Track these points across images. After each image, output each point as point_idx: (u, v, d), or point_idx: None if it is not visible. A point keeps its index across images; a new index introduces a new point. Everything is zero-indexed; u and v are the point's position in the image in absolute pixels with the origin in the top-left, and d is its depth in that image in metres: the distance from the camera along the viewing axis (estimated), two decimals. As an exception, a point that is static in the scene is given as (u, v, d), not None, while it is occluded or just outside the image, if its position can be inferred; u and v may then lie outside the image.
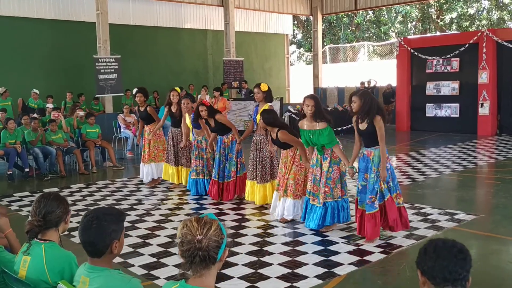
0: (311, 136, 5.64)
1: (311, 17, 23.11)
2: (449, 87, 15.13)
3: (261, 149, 6.80)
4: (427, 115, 15.65)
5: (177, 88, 8.42)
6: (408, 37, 21.91)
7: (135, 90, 8.68)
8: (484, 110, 14.25)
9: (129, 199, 7.73)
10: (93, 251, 2.24)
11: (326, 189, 5.60)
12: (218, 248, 1.90)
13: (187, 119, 7.87)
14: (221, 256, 1.93)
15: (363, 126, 5.31)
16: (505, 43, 13.71)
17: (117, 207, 7.13)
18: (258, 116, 6.82)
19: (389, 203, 5.31)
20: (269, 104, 6.83)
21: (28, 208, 7.22)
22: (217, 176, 7.30)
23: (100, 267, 2.23)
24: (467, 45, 14.35)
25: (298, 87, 24.86)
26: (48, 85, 15.65)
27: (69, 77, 16.45)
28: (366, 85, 18.94)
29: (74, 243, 5.42)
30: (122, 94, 15.78)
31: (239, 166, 7.28)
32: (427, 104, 15.61)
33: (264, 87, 6.87)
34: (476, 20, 31.69)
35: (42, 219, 2.50)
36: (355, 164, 5.66)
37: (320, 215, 5.61)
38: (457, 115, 15.00)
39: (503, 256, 4.93)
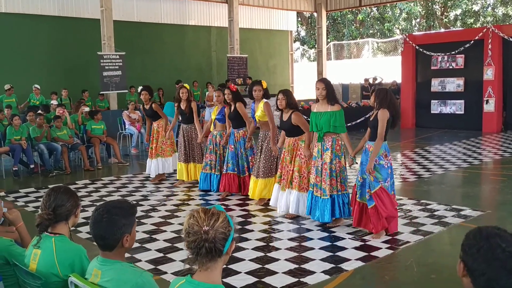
0: (320, 118, 5.60)
1: (315, 14, 23.06)
2: (454, 84, 15.08)
3: (267, 145, 6.76)
4: (432, 112, 15.61)
5: (186, 85, 8.42)
6: (413, 33, 21.86)
7: (140, 88, 8.68)
8: (489, 107, 14.19)
9: (134, 195, 7.74)
10: (104, 244, 2.24)
11: (332, 182, 5.60)
12: (225, 241, 1.87)
13: (215, 110, 7.76)
14: (228, 249, 1.90)
15: (372, 117, 5.35)
16: (511, 39, 13.64)
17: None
18: (256, 114, 6.81)
19: (378, 195, 5.20)
20: (265, 100, 6.80)
21: (34, 204, 7.26)
22: (235, 169, 7.27)
23: (112, 260, 2.23)
24: (472, 41, 14.30)
25: (302, 84, 24.82)
26: (52, 82, 15.65)
27: (73, 74, 16.46)
28: (371, 81, 18.91)
29: (81, 238, 5.44)
30: (126, 91, 15.78)
31: (251, 164, 7.26)
32: (432, 101, 15.57)
33: (264, 84, 6.89)
34: (480, 17, 31.56)
35: (52, 213, 2.50)
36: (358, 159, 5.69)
37: (330, 208, 5.60)
38: (462, 112, 14.95)
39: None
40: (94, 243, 4.95)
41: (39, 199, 7.50)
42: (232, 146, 7.29)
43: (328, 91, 5.60)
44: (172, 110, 10.41)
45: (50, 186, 8.05)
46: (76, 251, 2.49)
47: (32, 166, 9.64)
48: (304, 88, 24.27)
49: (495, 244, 1.65)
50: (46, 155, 9.56)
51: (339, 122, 5.57)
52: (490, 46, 13.99)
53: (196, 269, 1.93)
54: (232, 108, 7.22)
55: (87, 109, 11.10)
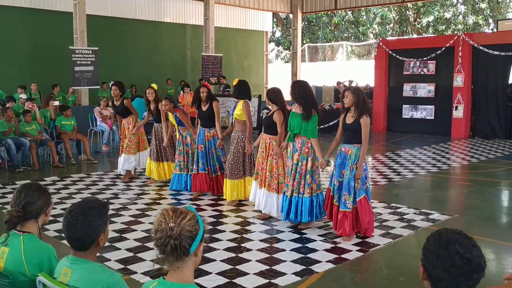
0: (294, 119, 5.61)
1: (290, 15, 23.16)
2: (425, 89, 15.35)
3: (235, 145, 6.75)
4: (403, 116, 15.85)
5: (154, 85, 8.33)
6: (387, 38, 22.17)
7: (111, 83, 8.56)
8: (458, 113, 14.50)
9: (105, 193, 7.63)
10: (80, 246, 2.19)
11: (294, 183, 5.62)
12: (192, 239, 1.85)
13: (171, 117, 7.75)
14: (196, 249, 1.88)
15: (349, 120, 5.35)
16: (481, 47, 13.98)
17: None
18: (234, 113, 6.81)
19: (362, 204, 5.28)
20: (244, 100, 6.78)
21: (1, 200, 7.07)
22: (207, 169, 7.22)
23: (83, 259, 2.19)
24: (444, 48, 14.59)
25: (276, 85, 24.87)
26: (21, 75, 15.31)
27: (44, 68, 16.12)
28: (346, 84, 19.09)
29: (49, 236, 5.34)
30: (98, 86, 15.53)
31: (223, 164, 7.22)
32: (404, 106, 15.81)
33: (235, 81, 6.91)
34: (452, 24, 32.25)
35: (22, 210, 2.44)
36: (331, 161, 5.74)
37: (287, 207, 5.65)
38: (432, 117, 15.23)
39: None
40: (63, 241, 4.83)
41: (6, 195, 7.33)
42: (202, 146, 7.23)
43: (295, 94, 5.63)
44: (139, 105, 10.30)
45: (17, 183, 7.89)
46: (45, 250, 2.43)
47: (-1, 161, 9.41)
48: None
49: (453, 251, 1.69)
50: (14, 150, 9.32)
51: (311, 127, 5.58)
52: (460, 54, 14.29)
53: (167, 270, 1.92)
54: (207, 106, 7.19)
55: (56, 103, 10.88)
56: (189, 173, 7.52)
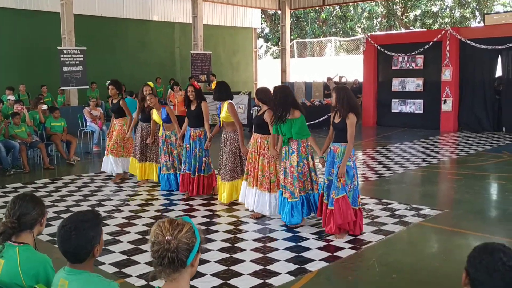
0: (284, 124, 5.66)
1: (279, 11, 23.16)
2: (414, 84, 15.46)
3: (229, 146, 6.75)
4: (392, 110, 15.95)
5: (150, 83, 8.34)
6: (374, 33, 22.25)
7: (108, 82, 8.55)
8: (447, 106, 14.62)
9: (97, 194, 7.61)
10: (75, 259, 2.20)
11: (300, 184, 5.67)
12: (189, 252, 1.86)
13: (155, 115, 7.77)
14: (193, 261, 1.89)
15: (337, 119, 5.41)
16: (468, 42, 14.09)
17: (84, 203, 7.03)
18: (221, 115, 6.79)
19: (339, 203, 5.25)
20: (229, 101, 6.77)
21: (-8, 205, 7.03)
22: (191, 169, 7.23)
23: (79, 270, 2.20)
24: (431, 42, 14.68)
25: (266, 81, 24.89)
26: (9, 77, 15.20)
27: (32, 68, 16.01)
28: (337, 79, 19.17)
29: (42, 241, 5.33)
30: (87, 86, 15.46)
31: (203, 165, 7.19)
32: (393, 100, 15.91)
33: (213, 84, 6.90)
34: (439, 18, 32.44)
35: (17, 221, 2.44)
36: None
37: (300, 209, 5.68)
38: (421, 111, 15.34)
39: (467, 251, 5.05)
40: (56, 245, 4.85)
41: (-3, 200, 7.29)
42: (188, 146, 7.25)
43: (276, 99, 5.66)
44: (130, 105, 10.26)
45: (8, 186, 7.83)
46: (41, 261, 2.44)
47: (-12, 164, 9.34)
48: (268, 85, 24.31)
49: (497, 258, 1.80)
50: (4, 153, 9.26)
51: (299, 129, 5.62)
52: (448, 48, 14.39)
53: (163, 278, 1.93)
54: (195, 106, 7.19)
55: (45, 106, 10.80)
56: (177, 172, 7.53)
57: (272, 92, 5.93)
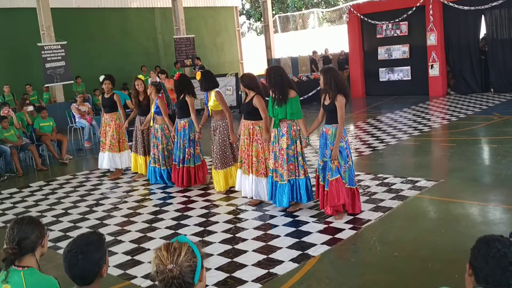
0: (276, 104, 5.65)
1: (259, -12, 22.86)
2: (400, 51, 15.42)
3: (219, 134, 6.72)
4: (380, 79, 15.94)
5: (141, 76, 8.26)
6: (357, 2, 22.02)
7: (102, 77, 8.42)
8: (434, 71, 14.62)
9: (93, 193, 7.60)
10: (84, 282, 2.20)
11: (290, 167, 5.68)
12: (193, 272, 1.86)
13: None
14: (199, 277, 1.89)
15: (327, 101, 5.41)
16: (451, 4, 14.01)
17: (82, 204, 7.01)
18: (209, 105, 6.76)
19: (333, 185, 5.28)
20: (216, 89, 6.73)
21: (-11, 214, 7.01)
22: (176, 160, 7.24)
23: None
24: (414, 8, 14.60)
25: (251, 59, 24.75)
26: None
27: (14, 68, 15.80)
28: (324, 53, 19.07)
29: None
30: (72, 81, 15.28)
31: (187, 156, 7.14)
32: (380, 69, 15.88)
33: (197, 76, 6.83)
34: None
35: (17, 246, 2.43)
36: (313, 140, 5.82)
37: (288, 192, 5.69)
38: (409, 78, 15.34)
39: (465, 221, 5.16)
40: (58, 251, 4.84)
41: (-7, 208, 7.26)
42: (176, 137, 7.26)
43: (272, 81, 5.63)
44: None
45: (3, 192, 7.77)
46: (48, 283, 2.44)
47: (-19, 171, 9.27)
48: (254, 64, 24.22)
49: (493, 246, 2.01)
50: (-5, 158, 9.20)
51: (295, 109, 5.62)
52: (431, 12, 14.32)
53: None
54: (181, 97, 7.16)
55: (30, 108, 10.67)
56: (162, 167, 7.52)
57: (267, 74, 5.86)
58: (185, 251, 1.85)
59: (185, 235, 5.23)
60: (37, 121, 10.35)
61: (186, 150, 7.15)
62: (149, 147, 8.01)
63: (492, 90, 14.10)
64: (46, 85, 14.89)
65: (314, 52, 19.02)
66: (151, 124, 7.80)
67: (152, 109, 7.65)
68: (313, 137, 5.78)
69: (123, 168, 8.61)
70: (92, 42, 17.78)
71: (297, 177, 5.71)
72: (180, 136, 7.18)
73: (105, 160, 8.47)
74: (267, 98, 5.95)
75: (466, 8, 13.77)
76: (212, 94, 6.68)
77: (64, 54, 14.64)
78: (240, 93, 14.68)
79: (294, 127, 5.70)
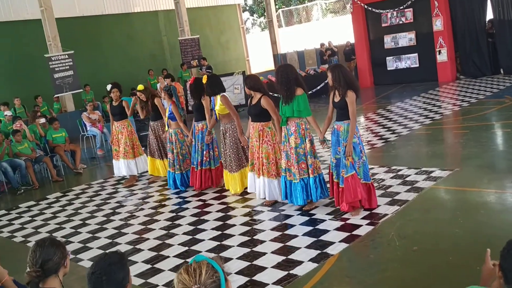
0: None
1: (260, -17, 22.79)
2: (406, 38, 15.30)
3: (229, 137, 6.72)
4: (388, 68, 15.83)
5: (140, 86, 8.27)
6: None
7: (109, 86, 8.47)
8: (442, 56, 14.49)
9: (109, 202, 7.66)
10: None
11: (302, 165, 5.67)
12: (218, 287, 1.89)
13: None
14: None
15: (337, 98, 5.40)
16: (455, -12, 13.86)
17: (99, 214, 7.07)
18: (216, 109, 6.76)
19: (348, 181, 5.28)
20: (221, 95, 6.71)
21: (8, 228, 7.12)
22: (194, 163, 7.31)
23: None
24: (419, -6, 14.47)
25: (257, 55, 24.70)
26: (2, 92, 15.13)
27: (23, 80, 15.92)
28: (327, 45, 18.96)
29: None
30: (81, 90, 15.38)
31: (205, 158, 7.20)
32: (387, 58, 15.77)
33: (204, 79, 6.83)
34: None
35: (40, 269, 2.47)
36: (328, 137, 5.81)
37: (301, 190, 5.69)
38: (417, 65, 15.22)
39: (484, 210, 5.11)
40: (79, 263, 4.88)
41: (13, 222, 7.37)
42: (193, 140, 7.29)
43: (279, 79, 5.62)
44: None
45: (21, 206, 7.84)
46: (72, 304, 2.48)
47: (-2, 186, 9.37)
48: (260, 60, 24.16)
49: None
50: (11, 172, 9.28)
51: (302, 106, 5.60)
52: (436, -3, 14.18)
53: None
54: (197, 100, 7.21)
55: (42, 120, 10.76)
56: (175, 172, 7.57)
57: (275, 72, 5.86)
58: (206, 269, 1.86)
59: (200, 252, 5.27)
60: (49, 132, 10.43)
61: (204, 152, 7.19)
62: (165, 151, 8.09)
63: (502, 71, 13.94)
64: (56, 95, 15.00)
65: (322, 45, 18.88)
66: (166, 128, 7.84)
67: (166, 114, 7.69)
68: (326, 135, 5.75)
69: (137, 175, 8.66)
70: (98, 49, 17.87)
71: (310, 175, 5.70)
72: (198, 139, 7.22)
73: (121, 167, 8.52)
74: (275, 94, 5.94)
75: (471, -10, 13.63)
76: (218, 98, 6.68)
77: (72, 63, 14.74)
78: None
79: (303, 126, 5.68)
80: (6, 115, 11.94)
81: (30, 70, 15.96)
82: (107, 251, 2.36)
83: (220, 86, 6.80)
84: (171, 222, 6.23)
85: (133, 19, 19.16)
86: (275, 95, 5.90)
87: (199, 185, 7.28)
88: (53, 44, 14.56)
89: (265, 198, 6.26)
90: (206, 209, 6.53)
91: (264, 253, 4.85)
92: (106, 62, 17.94)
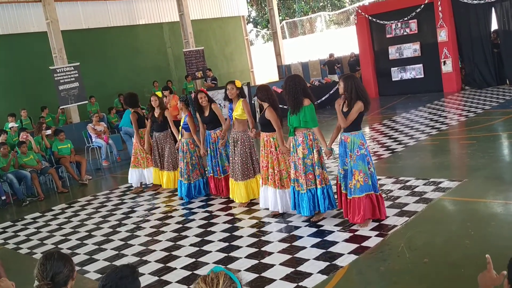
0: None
1: (264, -5, 22.92)
2: (411, 49, 15.32)
3: (241, 146, 6.73)
4: (393, 79, 15.84)
5: (158, 93, 8.38)
6: (364, 3, 21.97)
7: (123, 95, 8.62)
8: (447, 67, 14.49)
9: (115, 213, 7.62)
10: None
11: (309, 176, 5.64)
12: None
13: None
14: None
15: (345, 109, 5.38)
16: (460, -1, 13.90)
17: (105, 225, 7.03)
18: (234, 113, 6.79)
19: (357, 201, 5.28)
20: (243, 99, 6.79)
21: (14, 240, 7.08)
22: (211, 172, 7.34)
23: None
24: (423, 5, 14.50)
25: (261, 67, 24.77)
26: (8, 103, 15.20)
27: (29, 92, 16.00)
28: (328, 57, 18.97)
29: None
30: (86, 101, 15.42)
31: (226, 166, 7.26)
32: (392, 69, 15.79)
33: (238, 83, 6.84)
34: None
35: (51, 282, 2.44)
36: (335, 148, 5.78)
37: (307, 201, 5.65)
38: (422, 76, 15.22)
39: (494, 222, 5.06)
40: (86, 275, 4.84)
41: (18, 234, 7.34)
42: (208, 149, 7.31)
43: (286, 89, 5.63)
44: (129, 116, 10.26)
45: (26, 217, 7.82)
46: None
47: (3, 197, 9.35)
48: (265, 72, 24.19)
49: None
50: (16, 184, 9.28)
51: (309, 117, 5.58)
52: (440, 8, 14.21)
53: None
54: (208, 111, 7.22)
55: (48, 131, 10.79)
56: (184, 181, 7.57)
57: (284, 83, 5.89)
58: (223, 279, 1.85)
59: (208, 264, 5.22)
60: (55, 144, 10.44)
61: (228, 156, 7.21)
62: (161, 162, 8.24)
63: (508, 82, 13.92)
64: (61, 107, 15.05)
65: (331, 55, 18.80)
66: (179, 138, 7.86)
67: (181, 124, 7.71)
68: (332, 145, 5.73)
69: (142, 184, 8.76)
70: (103, 61, 17.95)
71: (318, 186, 5.67)
72: (214, 147, 7.25)
73: (133, 176, 8.69)
74: (285, 107, 5.95)
75: (475, 1, 13.65)
76: (240, 102, 6.71)
77: (77, 75, 14.80)
78: (253, 102, 14.67)
79: (311, 136, 5.66)
80: (12, 126, 11.98)
81: (37, 82, 16.05)
82: (118, 265, 2.32)
83: (242, 91, 6.81)
84: (177, 234, 6.19)
85: (138, 31, 19.26)
86: (285, 107, 5.89)
87: (221, 192, 7.37)
88: (58, 56, 14.64)
89: (270, 213, 6.25)
90: (212, 221, 6.49)
91: (273, 265, 4.80)
92: (111, 74, 18.01)
